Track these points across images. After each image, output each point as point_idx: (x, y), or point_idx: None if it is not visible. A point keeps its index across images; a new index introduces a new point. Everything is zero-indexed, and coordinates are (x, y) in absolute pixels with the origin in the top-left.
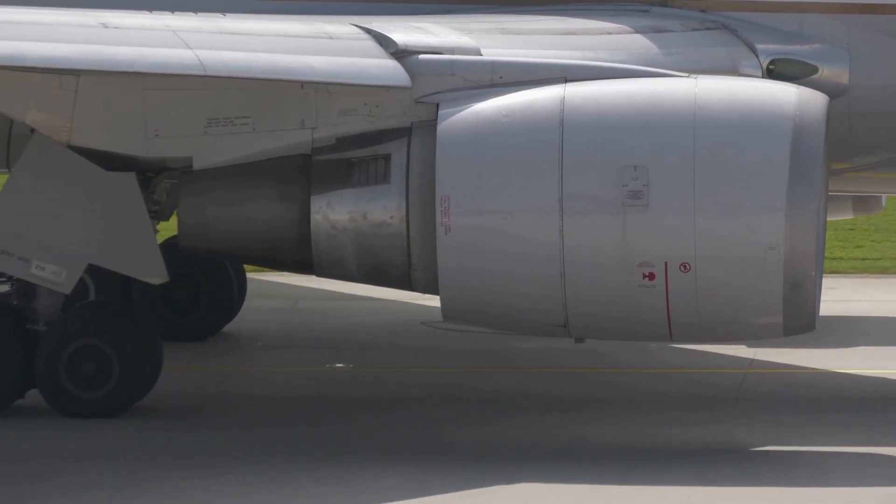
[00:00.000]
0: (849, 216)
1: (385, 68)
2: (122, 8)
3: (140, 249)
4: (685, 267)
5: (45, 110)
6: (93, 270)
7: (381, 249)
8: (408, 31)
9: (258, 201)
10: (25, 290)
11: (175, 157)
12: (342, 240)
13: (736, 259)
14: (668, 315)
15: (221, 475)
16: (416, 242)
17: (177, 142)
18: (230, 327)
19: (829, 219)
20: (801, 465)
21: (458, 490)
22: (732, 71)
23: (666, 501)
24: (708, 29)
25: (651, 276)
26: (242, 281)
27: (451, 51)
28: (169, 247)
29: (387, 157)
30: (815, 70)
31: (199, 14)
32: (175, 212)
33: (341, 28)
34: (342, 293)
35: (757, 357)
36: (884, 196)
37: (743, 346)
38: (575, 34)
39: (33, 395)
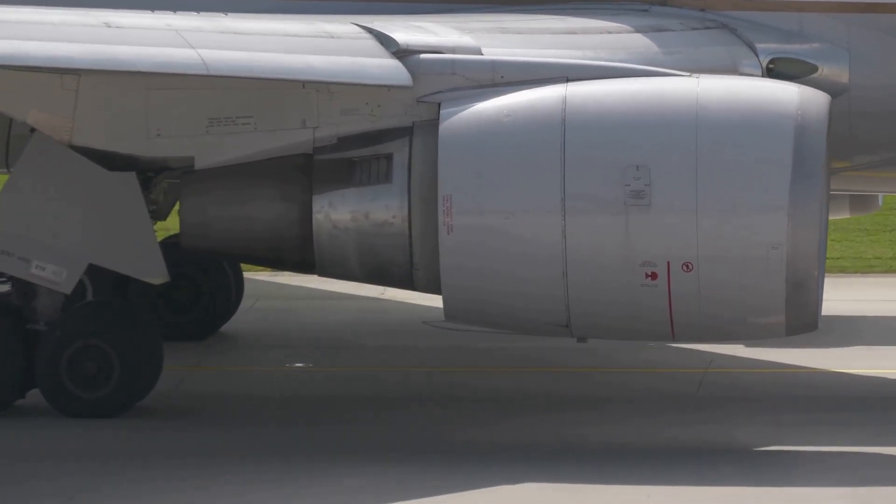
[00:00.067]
0: (846, 215)
1: (386, 68)
2: (125, 7)
3: (141, 249)
4: (687, 266)
5: (46, 110)
6: (90, 271)
7: (383, 249)
8: (409, 31)
9: (260, 201)
10: (26, 289)
11: (176, 157)
12: (344, 239)
13: (738, 258)
14: (671, 315)
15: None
16: (418, 242)
17: (178, 141)
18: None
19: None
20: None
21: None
22: (732, 70)
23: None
24: (707, 28)
25: (653, 276)
26: (240, 280)
27: (453, 50)
28: (167, 246)
29: (388, 157)
30: (814, 69)
31: (201, 13)
32: (172, 211)
33: (343, 28)
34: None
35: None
36: (880, 195)
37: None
38: (575, 33)
39: (34, 395)
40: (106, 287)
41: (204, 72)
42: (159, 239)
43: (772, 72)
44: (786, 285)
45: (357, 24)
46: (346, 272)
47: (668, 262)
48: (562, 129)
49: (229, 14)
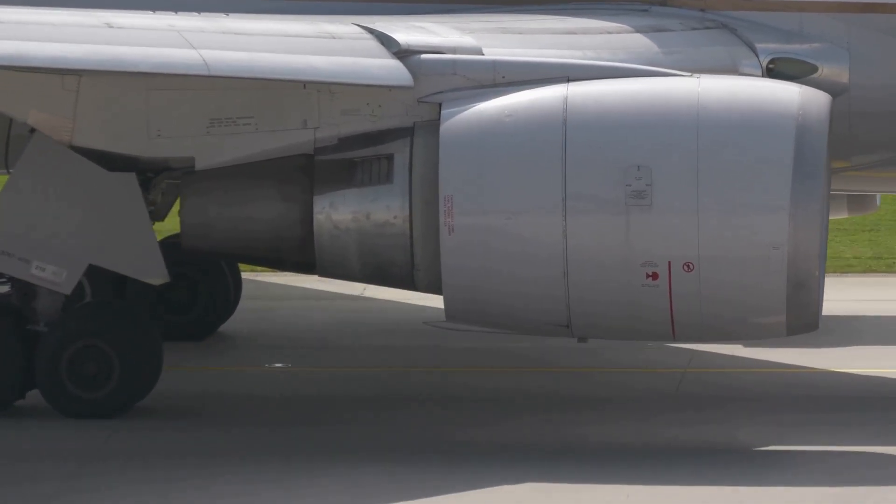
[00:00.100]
0: (844, 215)
1: (387, 68)
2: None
3: (141, 250)
4: (688, 266)
5: (46, 110)
6: (89, 271)
7: (385, 249)
8: (410, 31)
9: (260, 201)
10: (26, 290)
11: (177, 158)
12: (345, 240)
13: (739, 258)
14: (672, 315)
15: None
16: (419, 242)
17: (179, 142)
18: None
19: None
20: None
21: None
22: (732, 70)
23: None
24: (707, 28)
25: (654, 276)
26: (238, 280)
27: (453, 50)
28: (166, 247)
29: (389, 157)
30: (814, 69)
31: (202, 14)
32: (169, 212)
33: (344, 28)
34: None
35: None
36: (878, 195)
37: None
38: (575, 33)
39: (34, 396)
40: (104, 288)
41: (205, 72)
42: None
43: (772, 72)
44: (787, 285)
45: (358, 25)
46: (347, 273)
47: (669, 262)
48: (563, 129)
49: (230, 14)
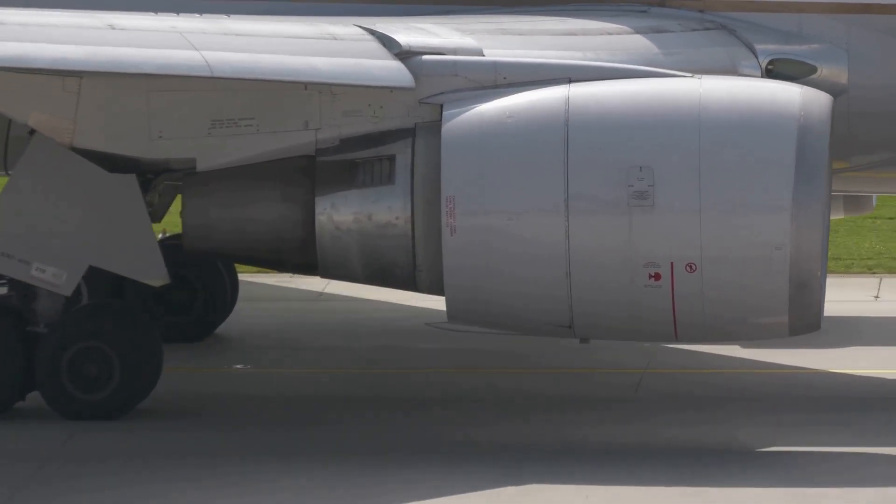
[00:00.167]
0: (840, 216)
1: (389, 69)
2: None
3: (141, 251)
4: (691, 267)
5: (47, 112)
6: (86, 273)
7: (386, 250)
8: (411, 32)
9: (262, 203)
10: (26, 292)
11: (178, 159)
12: (347, 241)
13: (742, 259)
14: (674, 315)
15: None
16: (421, 243)
17: (180, 143)
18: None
19: None
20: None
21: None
22: (731, 71)
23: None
24: (707, 29)
25: (657, 277)
26: (234, 281)
27: (455, 51)
28: (164, 248)
29: (391, 158)
30: (813, 70)
31: (204, 15)
32: (165, 213)
33: (345, 29)
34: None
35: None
36: (874, 196)
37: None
38: (575, 35)
39: (34, 398)
40: (102, 289)
41: (208, 73)
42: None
43: (771, 73)
44: (789, 286)
45: (359, 26)
46: (349, 274)
47: (672, 263)
48: (565, 129)
49: (231, 16)
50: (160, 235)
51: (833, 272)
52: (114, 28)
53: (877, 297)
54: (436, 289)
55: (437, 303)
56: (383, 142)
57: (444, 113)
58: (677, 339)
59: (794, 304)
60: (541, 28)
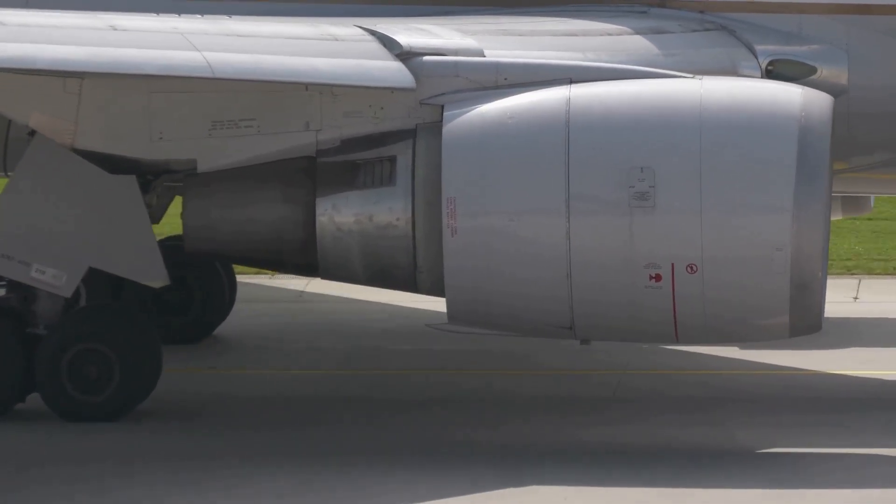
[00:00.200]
0: (839, 217)
1: (389, 70)
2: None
3: (141, 252)
4: (692, 268)
5: (48, 113)
6: (85, 274)
7: (387, 251)
8: (412, 33)
9: (263, 203)
10: (25, 293)
11: (179, 160)
12: (348, 242)
13: (743, 260)
14: (675, 316)
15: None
16: (421, 244)
17: (181, 144)
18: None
19: None
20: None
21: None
22: (732, 72)
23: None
24: (707, 30)
25: (658, 278)
26: (232, 282)
27: (455, 52)
28: (163, 248)
29: (392, 159)
30: (813, 71)
31: (205, 16)
32: (164, 214)
33: (346, 30)
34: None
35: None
36: (872, 197)
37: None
38: (575, 35)
39: (34, 399)
40: (100, 291)
41: (209, 74)
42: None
43: (771, 73)
44: (790, 287)
45: (360, 27)
46: (350, 275)
47: (673, 264)
48: (566, 130)
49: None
50: None
51: None
52: (115, 29)
53: (856, 298)
54: (436, 290)
55: (434, 303)
56: (384, 143)
57: (444, 114)
58: (678, 341)
59: (794, 305)
60: (541, 29)
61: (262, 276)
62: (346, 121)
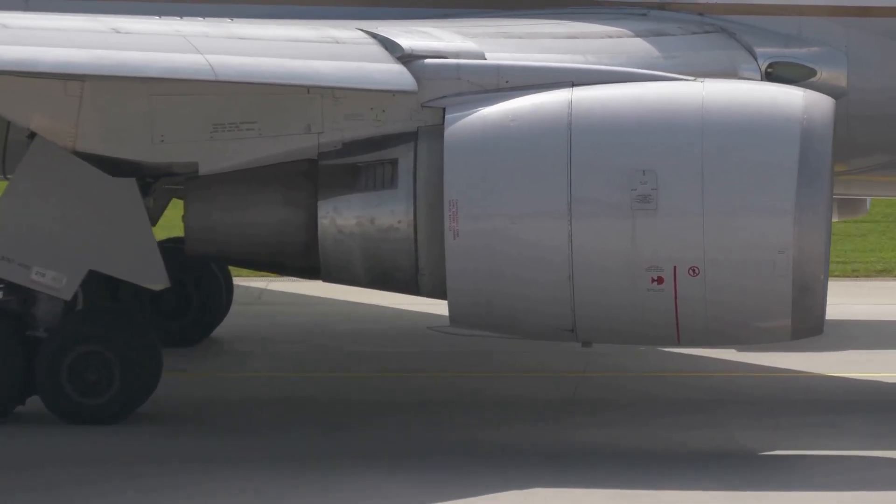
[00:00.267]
0: (835, 219)
1: (391, 73)
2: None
3: (142, 255)
4: (694, 271)
5: (49, 116)
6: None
7: (389, 254)
8: (413, 36)
9: (264, 206)
10: (25, 296)
11: (181, 163)
12: (349, 245)
13: (745, 263)
14: (677, 319)
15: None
16: (423, 247)
17: (183, 147)
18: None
19: None
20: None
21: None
22: (732, 74)
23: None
24: (707, 32)
25: (660, 280)
26: (229, 284)
27: (457, 55)
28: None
29: (394, 162)
30: (813, 73)
31: (207, 19)
32: (161, 216)
33: (347, 33)
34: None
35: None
36: (868, 199)
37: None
38: (576, 38)
39: (34, 402)
40: (97, 293)
41: (212, 77)
42: None
43: (771, 76)
44: (792, 289)
45: (362, 30)
46: (352, 277)
47: (675, 267)
48: (568, 133)
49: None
50: None
51: None
52: (117, 32)
53: None
54: (438, 292)
55: (436, 305)
56: (386, 145)
57: (446, 116)
58: (679, 343)
59: (797, 307)
60: (542, 31)
61: (259, 278)
62: (347, 123)
